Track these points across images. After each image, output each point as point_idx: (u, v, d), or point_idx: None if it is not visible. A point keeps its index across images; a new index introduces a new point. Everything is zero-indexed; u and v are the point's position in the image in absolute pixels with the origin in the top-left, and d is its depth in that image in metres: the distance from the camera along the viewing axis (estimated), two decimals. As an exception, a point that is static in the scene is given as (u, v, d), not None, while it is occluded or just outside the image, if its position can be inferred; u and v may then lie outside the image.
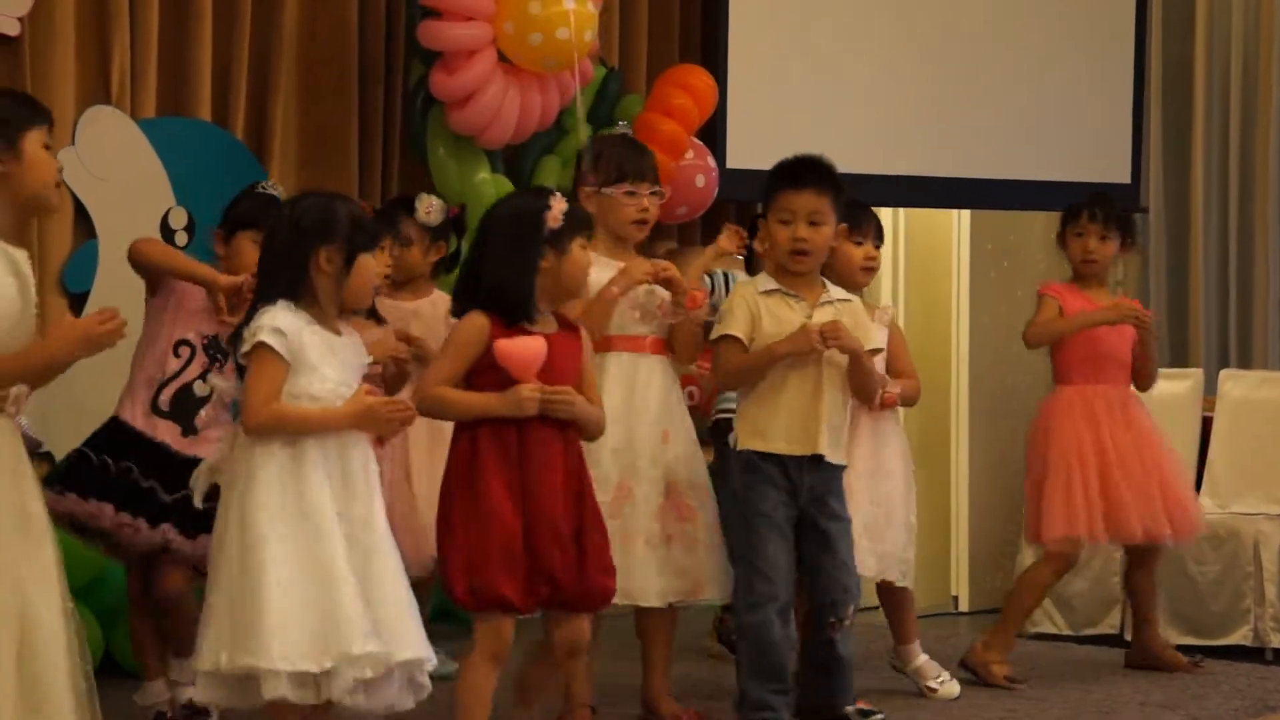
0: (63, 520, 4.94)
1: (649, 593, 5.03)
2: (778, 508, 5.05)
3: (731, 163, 7.29)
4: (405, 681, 4.23)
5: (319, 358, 4.22)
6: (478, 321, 4.47)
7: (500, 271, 4.48)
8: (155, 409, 5.17)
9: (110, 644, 5.76)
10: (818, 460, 5.07)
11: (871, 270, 5.77)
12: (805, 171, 5.14)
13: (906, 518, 5.74)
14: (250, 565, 4.10)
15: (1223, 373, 7.92)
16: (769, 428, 5.08)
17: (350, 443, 4.24)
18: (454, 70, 6.54)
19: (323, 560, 4.12)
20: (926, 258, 8.21)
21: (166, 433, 5.16)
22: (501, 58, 6.56)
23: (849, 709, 5.20)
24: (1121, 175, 8.16)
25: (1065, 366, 6.23)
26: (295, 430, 4.17)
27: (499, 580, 4.38)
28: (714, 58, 7.43)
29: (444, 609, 6.05)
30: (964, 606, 8.04)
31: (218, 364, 5.18)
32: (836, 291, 5.21)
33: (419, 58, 6.75)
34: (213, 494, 4.31)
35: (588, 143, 5.31)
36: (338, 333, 4.30)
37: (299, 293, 4.24)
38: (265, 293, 4.25)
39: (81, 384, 5.89)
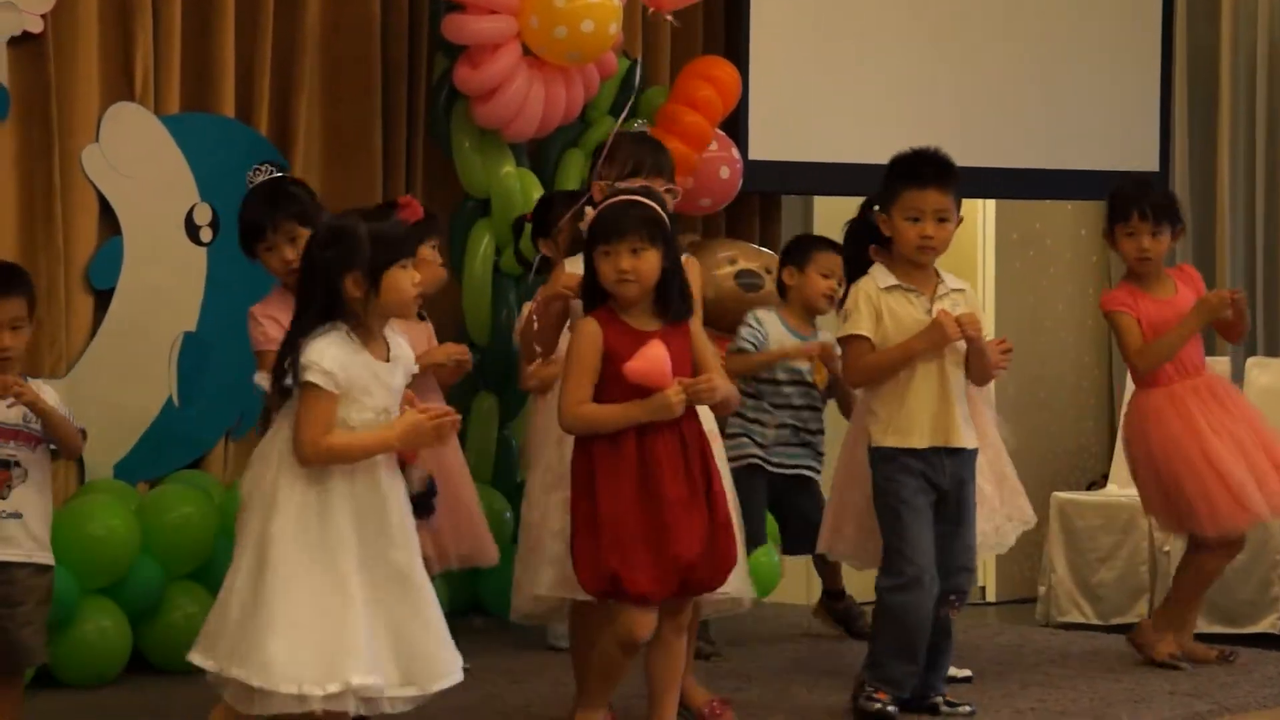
0: None
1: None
2: (918, 494, 5.11)
3: (754, 154, 7.30)
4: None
5: (362, 389, 4.24)
6: (589, 329, 4.56)
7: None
8: None
9: (139, 642, 5.78)
10: (954, 448, 5.15)
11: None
12: (928, 169, 5.20)
13: (1008, 476, 5.86)
14: (262, 587, 4.16)
15: (1250, 360, 7.91)
16: (904, 424, 5.13)
17: (386, 489, 4.28)
18: (478, 64, 6.54)
19: (335, 589, 4.18)
20: (952, 248, 8.16)
21: None
22: (526, 51, 6.56)
23: (938, 698, 5.25)
24: (1149, 163, 8.15)
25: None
26: (350, 459, 4.22)
27: (630, 577, 4.49)
28: (737, 49, 7.44)
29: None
30: (991, 596, 8.05)
31: None
32: (952, 281, 5.27)
33: (443, 51, 6.76)
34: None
35: (608, 139, 5.30)
36: (385, 354, 4.32)
37: (338, 317, 4.24)
38: (302, 320, 4.27)
39: (108, 381, 5.91)
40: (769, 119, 7.34)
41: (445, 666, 4.28)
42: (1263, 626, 7.04)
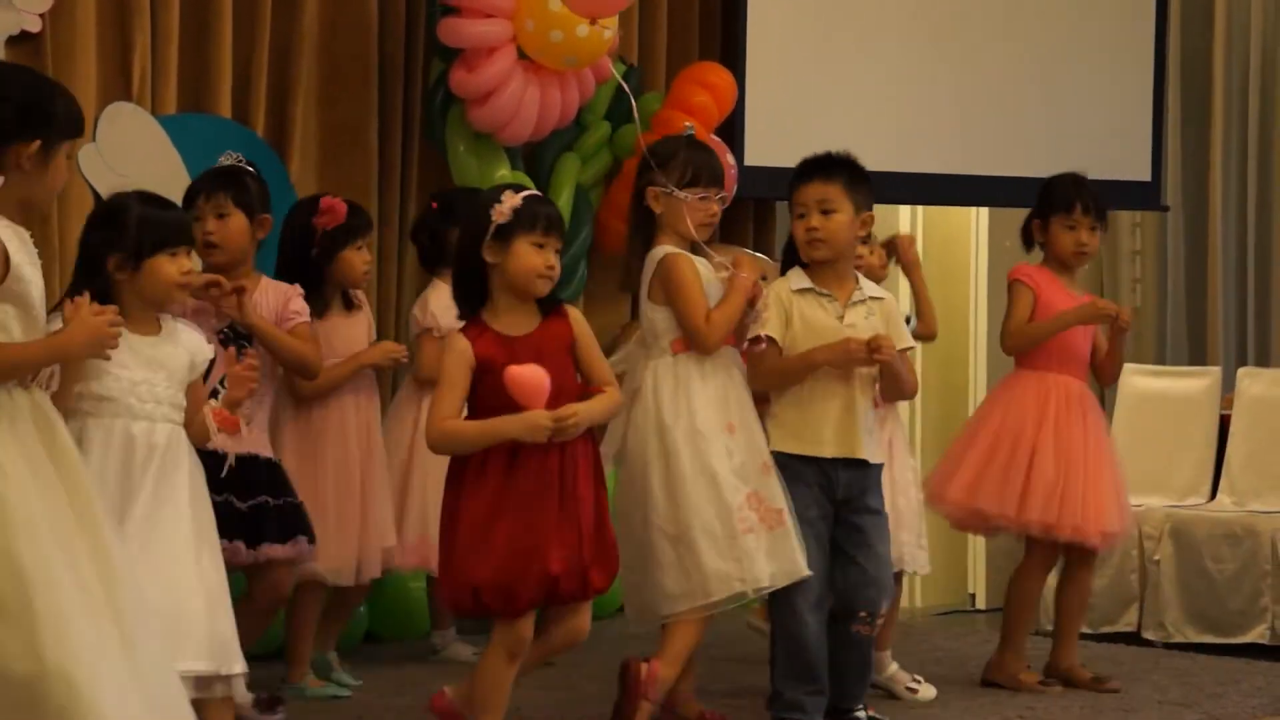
0: None
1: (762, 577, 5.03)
2: (810, 507, 5.05)
3: (750, 160, 7.31)
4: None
5: (114, 361, 4.13)
6: (459, 346, 4.56)
7: (460, 269, 4.68)
8: None
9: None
10: (855, 460, 5.09)
11: None
12: (809, 165, 5.18)
13: (919, 505, 5.79)
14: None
15: (1241, 370, 7.92)
16: (805, 431, 5.09)
17: (138, 449, 4.26)
18: (474, 67, 6.54)
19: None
20: (945, 255, 8.22)
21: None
22: (521, 55, 6.57)
23: (860, 713, 5.18)
24: (1141, 173, 8.17)
25: (1033, 357, 5.96)
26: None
27: (506, 584, 4.49)
28: (733, 55, 7.45)
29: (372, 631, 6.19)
30: (981, 604, 8.05)
31: (243, 345, 5.17)
32: (869, 288, 5.22)
33: (439, 55, 6.76)
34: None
35: (657, 143, 5.32)
36: (155, 332, 4.35)
37: (102, 295, 4.16)
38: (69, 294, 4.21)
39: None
40: (765, 125, 7.35)
41: (191, 650, 4.16)
42: (1251, 637, 7.05)
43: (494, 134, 6.67)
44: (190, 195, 5.37)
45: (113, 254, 4.32)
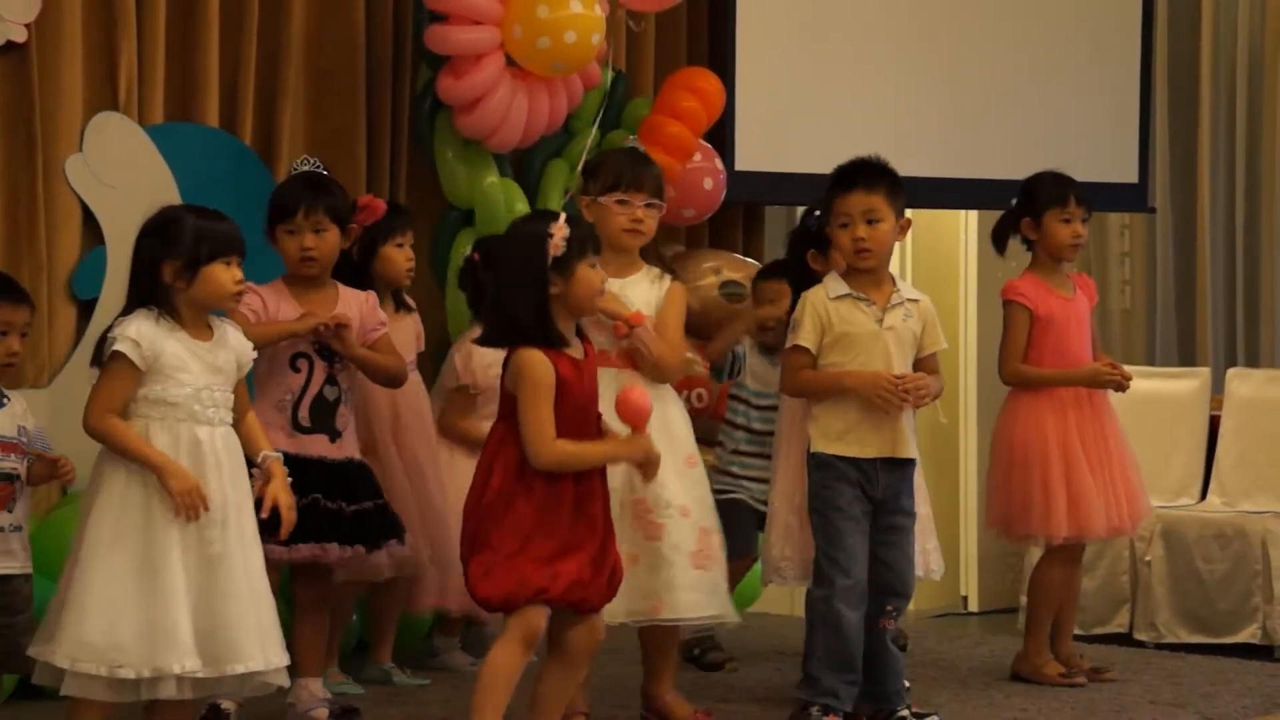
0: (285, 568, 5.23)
1: (615, 612, 4.89)
2: (854, 503, 5.09)
3: (740, 165, 7.31)
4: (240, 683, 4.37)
5: (178, 366, 4.37)
6: (539, 358, 4.50)
7: (518, 301, 4.54)
8: (297, 427, 5.26)
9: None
10: (892, 459, 5.13)
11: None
12: (850, 173, 5.19)
13: (928, 510, 5.81)
14: (78, 568, 4.26)
15: (1230, 371, 7.93)
16: (844, 432, 5.11)
17: (208, 467, 4.36)
18: (461, 74, 6.54)
19: (155, 570, 4.25)
20: (934, 258, 8.23)
21: (315, 446, 5.26)
22: (509, 61, 6.56)
23: (903, 711, 5.20)
24: (1129, 175, 8.18)
25: (1034, 363, 5.94)
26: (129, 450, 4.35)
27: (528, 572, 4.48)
28: (722, 60, 7.45)
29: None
30: (973, 606, 8.06)
31: (338, 364, 5.32)
32: (907, 291, 5.25)
33: (426, 62, 6.76)
34: None
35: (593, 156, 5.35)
36: (208, 337, 4.44)
37: (156, 302, 4.40)
38: (126, 303, 4.44)
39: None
40: (754, 130, 7.35)
41: (244, 653, 4.29)
42: (1243, 637, 7.06)
43: (482, 141, 6.67)
44: (288, 206, 5.32)
45: (169, 262, 4.39)
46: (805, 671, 5.16)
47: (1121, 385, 5.95)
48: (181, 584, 4.23)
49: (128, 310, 4.40)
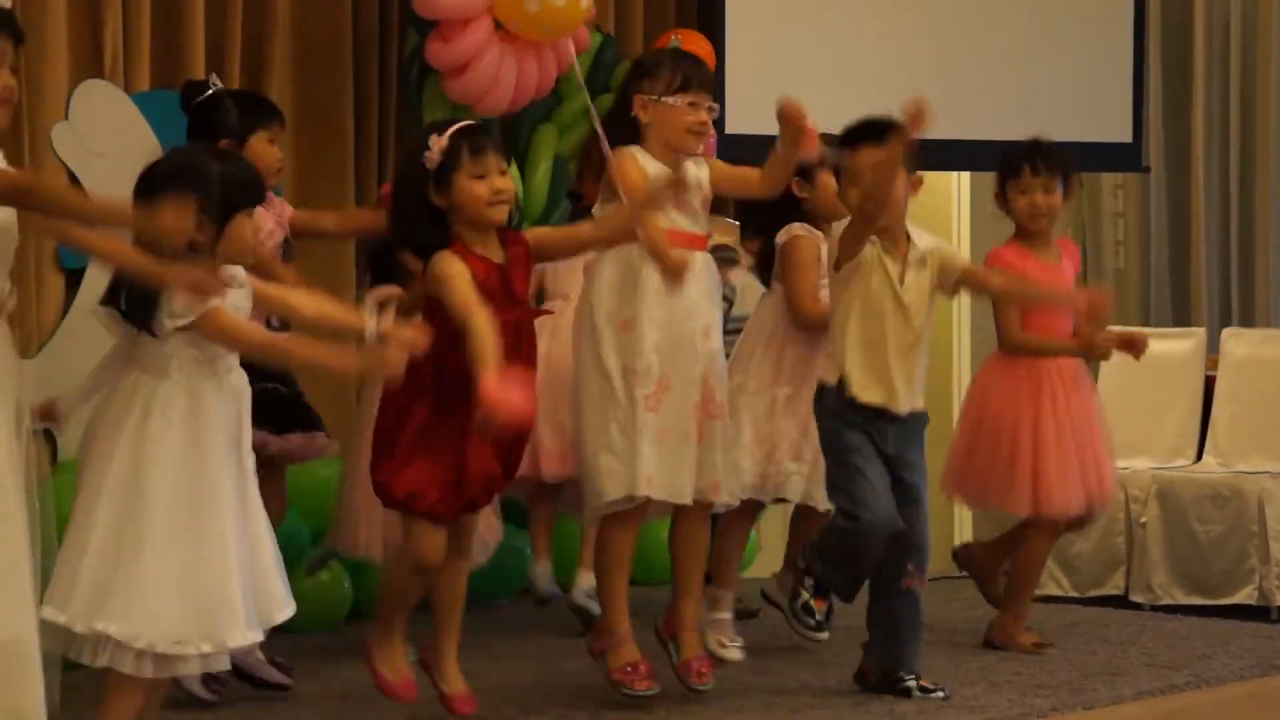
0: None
1: (685, 491, 4.97)
2: (872, 456, 5.09)
3: (731, 128, 7.26)
4: None
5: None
6: (457, 266, 4.53)
7: (408, 217, 4.65)
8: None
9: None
10: (906, 414, 5.15)
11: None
12: (860, 131, 5.16)
13: None
14: (138, 540, 4.04)
15: (1225, 331, 7.91)
16: (872, 385, 5.10)
17: (241, 397, 4.21)
18: (450, 38, 6.51)
19: (213, 540, 4.07)
20: (927, 221, 8.08)
21: None
22: (498, 25, 6.53)
23: (910, 681, 5.18)
24: (1123, 134, 8.14)
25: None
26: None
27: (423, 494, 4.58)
28: (713, 22, 7.41)
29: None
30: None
31: None
32: (923, 240, 5.21)
33: (414, 27, 6.72)
34: None
35: (643, 55, 5.35)
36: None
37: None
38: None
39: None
40: (745, 92, 7.31)
41: (280, 600, 4.22)
42: (1239, 598, 7.05)
43: (471, 105, 6.63)
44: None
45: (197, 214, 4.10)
46: (809, 559, 5.18)
47: (1135, 353, 5.87)
48: (234, 552, 4.08)
49: None
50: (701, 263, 5.11)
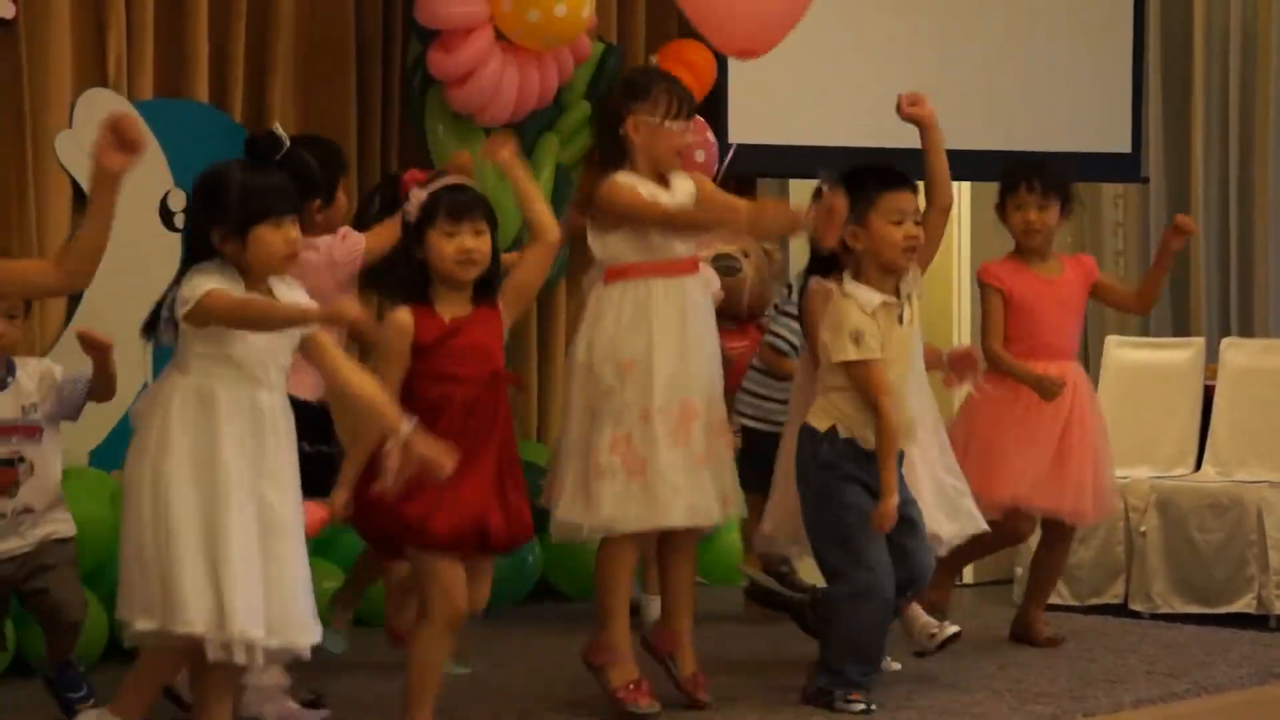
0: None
1: (713, 512, 5.08)
2: (863, 495, 5.08)
3: (733, 138, 7.29)
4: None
5: None
6: (401, 320, 4.60)
7: (404, 266, 4.68)
8: None
9: (116, 629, 5.75)
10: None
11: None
12: (897, 175, 5.27)
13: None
14: (167, 534, 4.15)
15: (1224, 341, 7.92)
16: (863, 427, 5.09)
17: (269, 429, 4.24)
18: (452, 48, 6.52)
19: (222, 533, 4.14)
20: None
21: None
22: (500, 35, 6.55)
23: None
24: (1122, 145, 8.17)
25: (1004, 344, 6.01)
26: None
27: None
28: (712, 32, 7.41)
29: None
30: (968, 578, 8.03)
31: None
32: (904, 285, 5.23)
33: (417, 36, 6.74)
34: None
35: (630, 73, 5.39)
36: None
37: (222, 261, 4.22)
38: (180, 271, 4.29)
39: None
40: (748, 102, 7.33)
41: (308, 621, 4.25)
42: (1238, 607, 7.06)
43: (473, 115, 6.65)
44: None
45: (216, 227, 4.17)
46: (826, 663, 5.17)
47: (1049, 394, 5.93)
48: (238, 545, 4.12)
49: (180, 276, 4.21)
50: (694, 285, 5.18)
